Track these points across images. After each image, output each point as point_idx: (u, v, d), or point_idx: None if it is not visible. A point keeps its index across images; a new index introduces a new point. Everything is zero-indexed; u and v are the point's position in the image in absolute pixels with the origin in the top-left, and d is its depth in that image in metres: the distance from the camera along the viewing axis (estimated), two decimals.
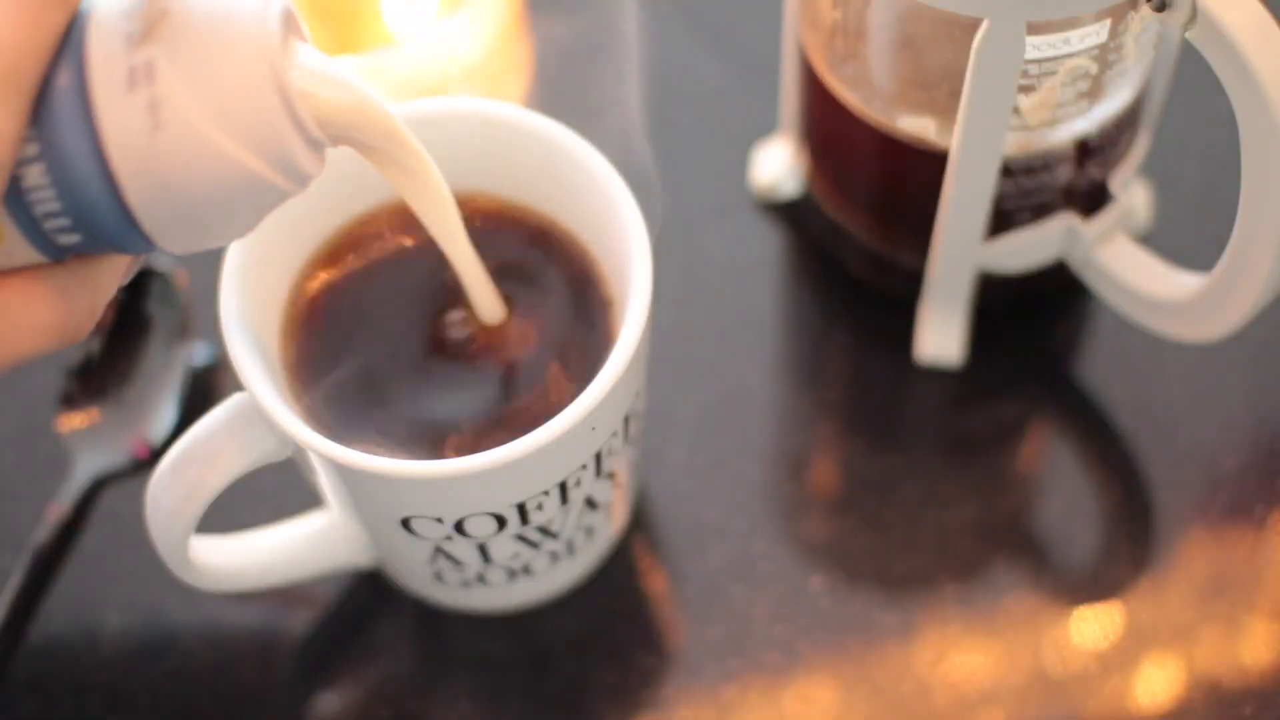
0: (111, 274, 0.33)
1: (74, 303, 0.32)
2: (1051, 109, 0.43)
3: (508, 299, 0.42)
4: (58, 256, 0.32)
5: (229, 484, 0.39)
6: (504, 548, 0.42)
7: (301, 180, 0.33)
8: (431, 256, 0.43)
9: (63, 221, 0.31)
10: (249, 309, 0.40)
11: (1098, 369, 0.51)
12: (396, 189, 0.38)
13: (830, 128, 0.48)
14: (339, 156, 0.42)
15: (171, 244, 0.32)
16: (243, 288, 0.40)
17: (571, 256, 0.43)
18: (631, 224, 0.40)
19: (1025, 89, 0.42)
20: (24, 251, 0.32)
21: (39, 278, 0.32)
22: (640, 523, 0.49)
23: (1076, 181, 0.46)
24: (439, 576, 0.44)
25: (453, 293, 0.42)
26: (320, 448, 0.38)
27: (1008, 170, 0.45)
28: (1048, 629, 0.47)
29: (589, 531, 0.45)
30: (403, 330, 0.42)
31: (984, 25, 0.39)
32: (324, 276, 0.43)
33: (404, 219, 0.43)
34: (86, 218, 0.31)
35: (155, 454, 0.48)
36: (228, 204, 0.32)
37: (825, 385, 0.52)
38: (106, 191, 0.31)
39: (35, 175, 0.30)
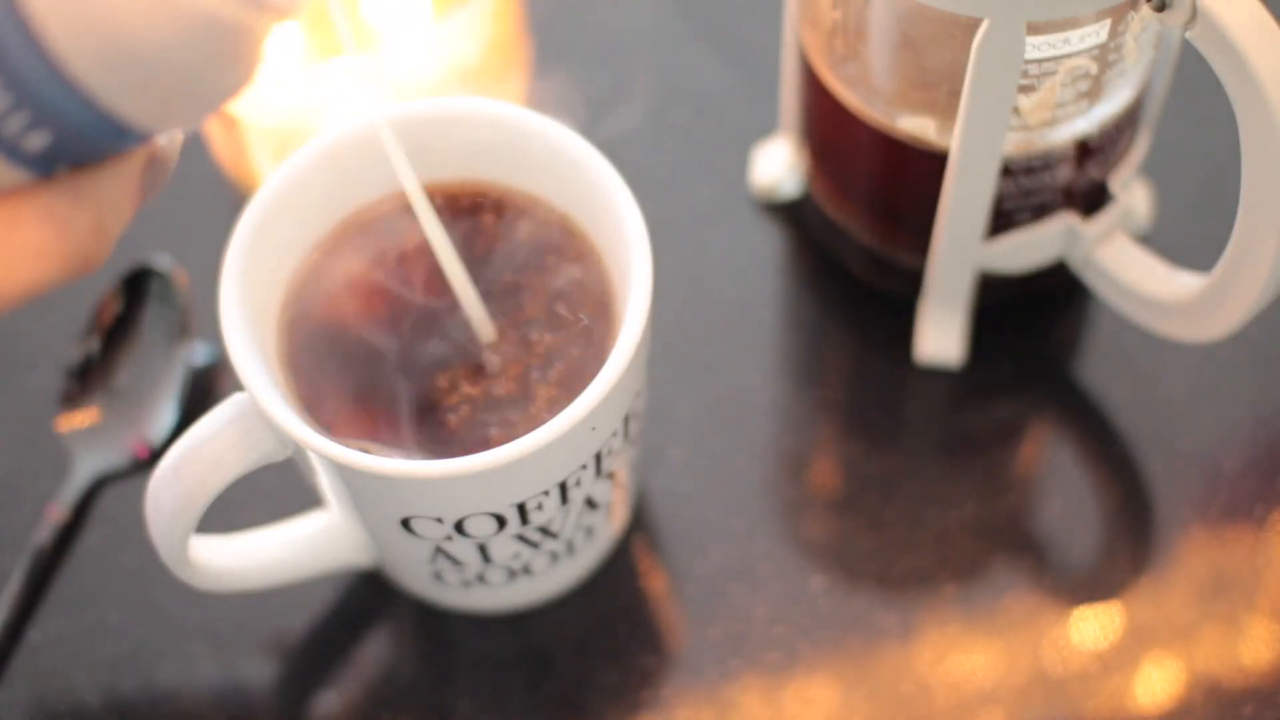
0: (116, 186, 0.30)
1: (70, 223, 0.29)
2: (1051, 109, 0.43)
3: (510, 296, 0.42)
4: (44, 170, 0.29)
5: (229, 484, 0.39)
6: (504, 548, 0.42)
7: (273, 10, 0.28)
8: (429, 251, 0.43)
9: (20, 118, 0.28)
10: (249, 309, 0.40)
11: (1098, 369, 0.51)
12: None
13: (830, 128, 0.48)
14: (337, 155, 0.42)
15: (153, 118, 0.29)
16: (243, 287, 0.40)
17: (576, 252, 0.43)
18: (631, 224, 0.40)
19: (1025, 89, 0.42)
20: (3, 171, 0.29)
21: (22, 197, 0.29)
22: (640, 523, 0.49)
23: (1076, 181, 0.46)
24: (439, 576, 0.44)
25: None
26: (320, 448, 0.38)
27: (1008, 170, 0.45)
28: (1048, 629, 0.47)
29: (589, 531, 0.45)
30: (402, 328, 0.42)
31: (984, 25, 0.39)
32: (323, 275, 0.43)
33: (402, 214, 0.43)
34: (39, 104, 0.28)
35: (155, 454, 0.48)
36: (189, 54, 0.28)
37: (825, 385, 0.52)
38: (41, 61, 0.27)
39: None
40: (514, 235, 0.43)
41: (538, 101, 0.55)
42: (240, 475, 0.40)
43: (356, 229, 0.43)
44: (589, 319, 0.42)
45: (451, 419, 0.41)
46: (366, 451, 0.39)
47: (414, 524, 0.41)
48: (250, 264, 0.41)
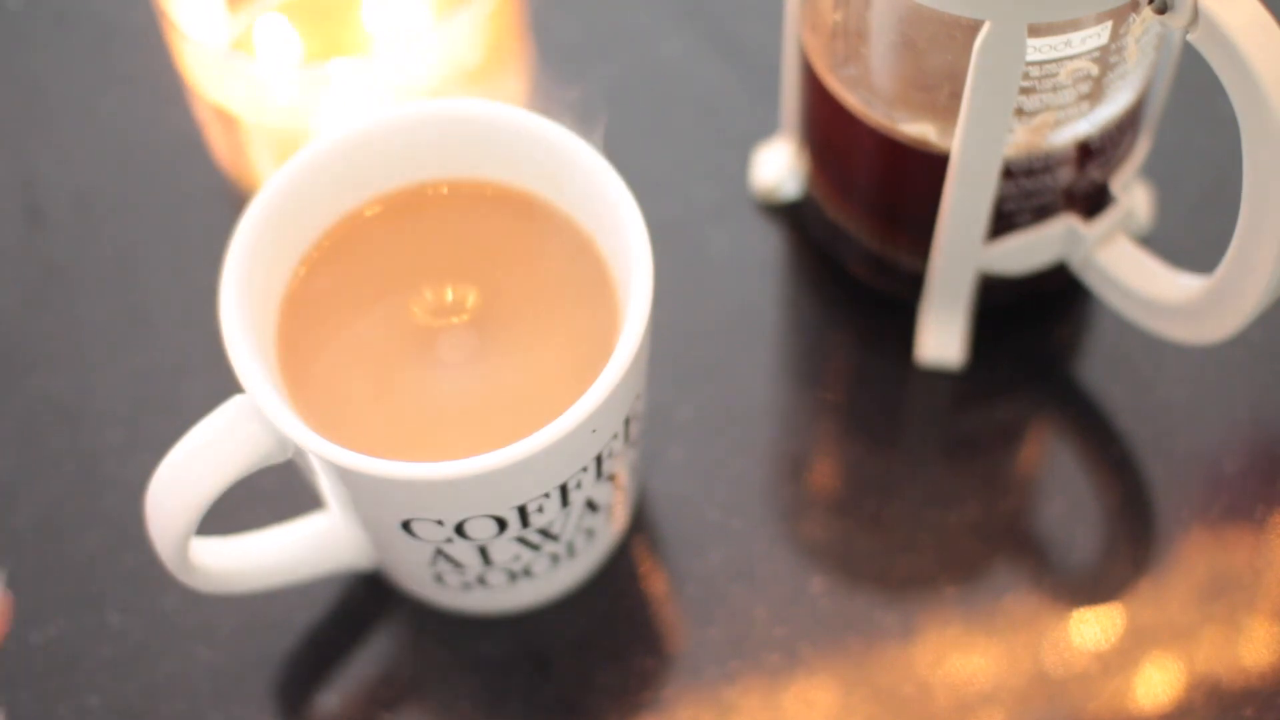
0: None
1: None
2: (1052, 114, 0.43)
3: (510, 296, 0.42)
4: None
5: (229, 486, 0.39)
6: (504, 550, 0.42)
7: None
8: (429, 251, 0.43)
9: None
10: (249, 309, 0.40)
11: (1098, 371, 0.51)
12: None
13: (831, 129, 0.48)
14: (339, 156, 0.42)
15: None
16: (243, 288, 0.40)
17: (576, 252, 0.43)
18: (632, 226, 0.40)
19: (1026, 91, 0.42)
20: None
21: None
22: (640, 524, 0.49)
23: (1077, 183, 0.46)
24: (439, 578, 0.44)
25: (453, 287, 0.42)
26: (320, 450, 0.38)
27: (1008, 172, 0.45)
28: (1048, 630, 0.47)
29: (589, 533, 0.45)
30: (402, 328, 0.42)
31: (985, 27, 0.39)
32: (323, 275, 0.43)
33: (398, 212, 0.43)
34: None
35: None
36: None
37: (825, 386, 0.52)
38: None
39: None
40: (517, 224, 0.43)
41: (538, 102, 0.55)
42: (240, 477, 0.39)
43: (358, 229, 0.43)
44: (589, 320, 0.42)
45: (451, 419, 0.41)
46: (367, 453, 0.39)
47: (414, 526, 0.41)
48: (251, 264, 0.41)
